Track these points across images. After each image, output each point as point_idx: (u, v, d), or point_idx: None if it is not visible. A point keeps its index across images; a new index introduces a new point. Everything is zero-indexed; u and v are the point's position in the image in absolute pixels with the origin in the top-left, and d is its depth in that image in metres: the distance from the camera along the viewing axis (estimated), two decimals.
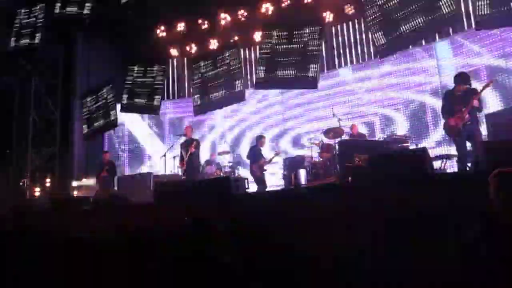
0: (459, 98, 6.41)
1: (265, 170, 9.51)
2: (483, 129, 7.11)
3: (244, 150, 12.26)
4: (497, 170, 2.43)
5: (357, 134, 9.73)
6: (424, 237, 3.81)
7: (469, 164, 6.37)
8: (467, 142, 6.43)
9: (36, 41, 11.09)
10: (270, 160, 9.65)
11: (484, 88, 6.41)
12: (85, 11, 10.57)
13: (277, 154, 9.88)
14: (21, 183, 10.57)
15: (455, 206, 3.83)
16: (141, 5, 10.28)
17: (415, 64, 10.45)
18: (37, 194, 11.10)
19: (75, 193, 11.08)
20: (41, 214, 6.99)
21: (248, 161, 9.79)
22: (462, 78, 6.51)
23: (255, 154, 9.54)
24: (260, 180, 9.27)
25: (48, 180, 11.53)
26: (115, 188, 10.45)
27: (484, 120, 7.30)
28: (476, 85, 7.60)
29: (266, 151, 10.08)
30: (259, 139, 9.83)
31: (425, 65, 10.28)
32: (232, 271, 2.69)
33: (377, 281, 3.82)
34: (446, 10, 7.80)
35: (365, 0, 8.90)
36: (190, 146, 9.19)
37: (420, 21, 8.09)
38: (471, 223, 2.47)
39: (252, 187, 8.82)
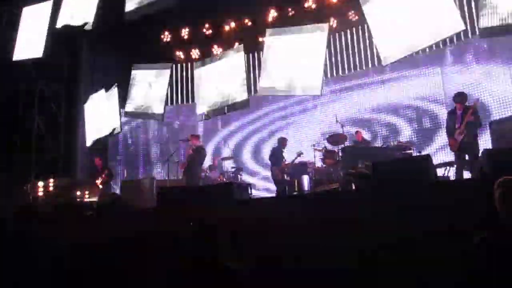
0: (459, 116, 7.01)
1: (287, 172, 9.40)
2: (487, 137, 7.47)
3: (247, 155, 12.30)
4: (502, 178, 2.42)
5: (362, 140, 9.72)
6: (427, 245, 3.80)
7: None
8: (466, 156, 6.99)
9: (41, 48, 11.14)
10: (293, 162, 9.53)
11: (475, 104, 7.11)
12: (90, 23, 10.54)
13: (299, 155, 9.65)
14: (24, 187, 10.56)
15: (459, 214, 3.82)
16: (146, 13, 10.29)
17: (418, 70, 10.47)
18: (40, 198, 11.09)
19: (78, 197, 11.06)
20: (44, 219, 6.99)
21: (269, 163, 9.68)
22: (460, 97, 7.15)
23: (277, 156, 9.47)
24: (281, 183, 9.23)
25: (51, 184, 11.52)
26: (117, 192, 10.46)
27: (488, 127, 7.37)
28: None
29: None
30: (281, 141, 9.76)
31: (429, 72, 10.29)
32: (235, 276, 2.68)
33: None
34: (450, 17, 7.82)
35: (369, 8, 8.93)
36: (192, 152, 9.25)
37: (424, 28, 8.10)
38: (475, 230, 2.46)
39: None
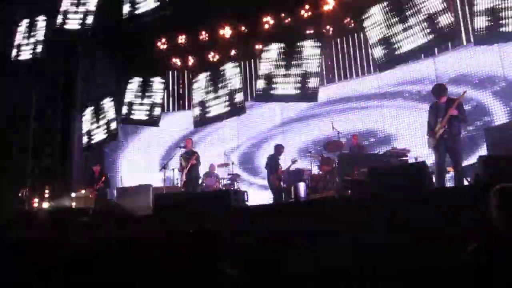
0: (442, 109, 6.28)
1: (283, 179, 9.41)
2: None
3: (244, 162, 12.28)
4: (499, 185, 2.43)
5: (357, 145, 9.74)
6: (422, 252, 3.80)
7: (468, 179, 6.43)
8: (447, 155, 6.26)
9: (37, 54, 11.12)
10: (288, 169, 9.57)
11: (461, 96, 6.32)
12: (86, 25, 10.55)
13: (293, 162, 9.73)
14: (20, 194, 10.51)
15: (455, 220, 3.83)
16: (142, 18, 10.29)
17: (414, 76, 10.52)
18: (36, 205, 11.05)
19: (74, 204, 11.01)
20: (41, 225, 6.95)
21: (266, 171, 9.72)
22: (440, 89, 6.46)
23: (273, 164, 9.51)
24: (277, 190, 9.24)
25: (47, 191, 11.47)
26: (113, 199, 10.44)
27: (484, 134, 7.36)
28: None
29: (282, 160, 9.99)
30: (277, 148, 9.80)
31: (424, 79, 10.35)
32: (235, 283, 2.67)
33: None
34: (445, 26, 7.88)
35: (365, 15, 9.00)
36: (191, 159, 9.25)
37: (419, 36, 8.16)
38: (471, 237, 2.46)
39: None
